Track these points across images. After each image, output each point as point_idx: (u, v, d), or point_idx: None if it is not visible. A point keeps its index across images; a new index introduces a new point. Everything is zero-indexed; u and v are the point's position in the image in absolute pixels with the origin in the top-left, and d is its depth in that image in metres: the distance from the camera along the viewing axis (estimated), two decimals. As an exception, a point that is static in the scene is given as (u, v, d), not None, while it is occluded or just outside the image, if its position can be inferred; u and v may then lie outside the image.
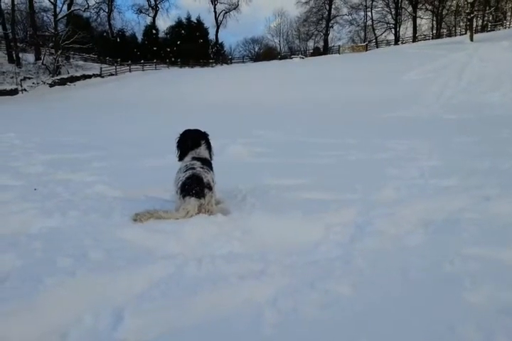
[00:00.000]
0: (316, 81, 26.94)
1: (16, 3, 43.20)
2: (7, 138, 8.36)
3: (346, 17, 59.85)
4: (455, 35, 50.18)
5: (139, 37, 58.59)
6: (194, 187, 3.05)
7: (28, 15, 45.20)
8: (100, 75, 43.59)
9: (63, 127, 12.35)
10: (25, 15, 46.40)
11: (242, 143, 7.50)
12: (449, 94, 18.98)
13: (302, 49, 64.35)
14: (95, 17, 54.94)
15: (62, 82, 40.74)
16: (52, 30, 44.48)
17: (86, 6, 51.00)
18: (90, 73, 43.68)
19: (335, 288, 1.98)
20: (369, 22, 58.56)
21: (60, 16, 46.02)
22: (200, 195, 3.05)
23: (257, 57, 60.43)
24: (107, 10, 55.68)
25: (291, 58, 47.10)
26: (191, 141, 3.44)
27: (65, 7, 47.89)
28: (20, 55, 42.38)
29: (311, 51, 61.51)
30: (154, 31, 57.02)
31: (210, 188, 3.15)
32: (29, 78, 40.37)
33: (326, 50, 57.34)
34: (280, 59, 49.78)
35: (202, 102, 23.76)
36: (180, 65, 50.61)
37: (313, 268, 2.22)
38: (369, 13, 58.02)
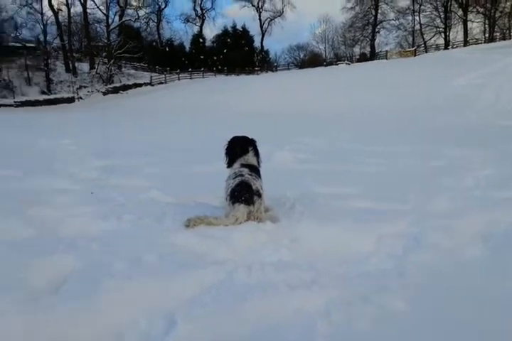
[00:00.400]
0: (362, 87, 26.51)
1: (71, 15, 45.74)
2: (64, 144, 8.80)
3: (393, 22, 58.56)
4: (509, 38, 47.88)
5: (187, 46, 60.24)
6: (243, 194, 3.07)
7: (82, 27, 47.66)
8: (150, 83, 45.10)
9: (116, 134, 12.83)
10: (80, 26, 48.94)
11: (288, 150, 7.50)
12: (505, 100, 18.08)
13: (348, 55, 63.58)
14: (145, 27, 57.01)
15: (115, 90, 42.53)
16: (105, 41, 46.64)
17: (136, 17, 53.07)
18: (141, 82, 45.30)
19: (389, 302, 1.92)
20: (417, 26, 56.89)
21: (112, 27, 48.21)
22: (249, 201, 3.07)
23: (302, 64, 60.30)
24: (156, 20, 57.66)
25: (337, 64, 46.65)
26: (239, 147, 3.47)
27: (117, 18, 50.14)
28: (76, 64, 44.71)
29: (357, 57, 60.70)
30: (201, 40, 58.42)
31: (259, 195, 3.16)
32: (84, 87, 42.47)
33: (372, 55, 56.39)
34: (326, 65, 49.45)
35: (247, 109, 23.97)
36: (226, 72, 51.46)
37: (365, 281, 2.17)
38: (417, 18, 56.40)
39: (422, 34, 56.59)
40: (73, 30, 47.98)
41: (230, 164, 3.48)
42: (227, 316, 1.77)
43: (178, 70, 48.70)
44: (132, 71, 48.70)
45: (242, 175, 3.20)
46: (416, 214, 3.28)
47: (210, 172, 5.21)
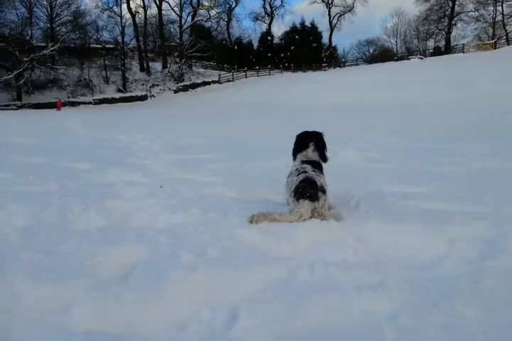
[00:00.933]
0: (435, 82, 25.21)
1: (147, 17, 48.03)
2: (139, 139, 9.27)
3: (472, 13, 54.71)
4: None
5: (255, 44, 60.86)
6: (308, 190, 3.02)
7: (157, 28, 49.86)
8: (219, 81, 46.17)
9: (184, 130, 13.29)
10: (155, 27, 51.24)
11: (353, 147, 7.30)
12: None
13: (421, 49, 60.69)
14: (216, 26, 58.42)
15: (185, 89, 44.08)
16: (178, 40, 48.43)
17: (208, 17, 54.53)
18: (210, 80, 46.52)
19: (462, 310, 1.79)
20: (499, 17, 52.76)
21: (184, 27, 49.96)
22: (314, 198, 3.01)
23: (372, 59, 58.54)
24: (226, 19, 58.79)
25: (409, 59, 44.68)
26: (299, 143, 3.45)
27: (189, 18, 51.84)
28: (150, 64, 46.93)
29: (431, 51, 57.70)
30: (269, 37, 58.71)
31: (324, 192, 3.09)
32: (157, 85, 44.50)
33: (447, 49, 53.35)
34: (397, 60, 47.52)
35: (312, 106, 23.74)
36: (293, 69, 51.29)
37: (436, 286, 2.04)
38: (499, 8, 52.30)
39: (504, 25, 52.38)
40: (148, 31, 50.38)
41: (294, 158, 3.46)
42: (289, 315, 1.73)
43: (246, 68, 49.32)
44: (202, 70, 50.13)
45: (305, 172, 3.14)
46: (493, 216, 3.04)
47: (273, 168, 5.21)
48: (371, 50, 68.90)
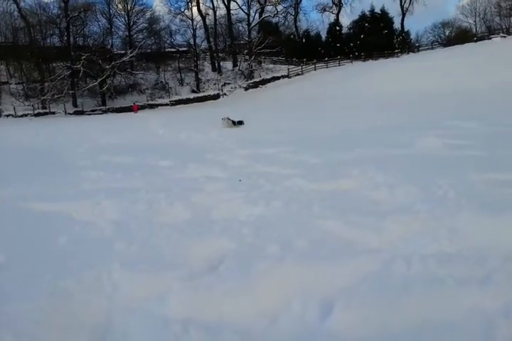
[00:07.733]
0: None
1: (217, 17, 49.18)
2: (213, 136, 9.51)
3: None
4: None
5: (323, 35, 59.53)
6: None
7: (226, 28, 50.83)
8: (287, 76, 45.97)
9: (254, 125, 13.35)
10: (224, 27, 52.25)
11: (434, 134, 6.84)
12: None
13: (504, 27, 55.52)
14: (283, 21, 58.05)
15: (255, 85, 44.51)
16: (246, 38, 49.00)
17: (275, 12, 54.33)
18: (279, 75, 46.50)
19: None
20: None
21: (252, 25, 50.45)
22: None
23: (448, 42, 54.78)
24: (293, 13, 58.25)
25: (490, 38, 41.13)
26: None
27: (257, 16, 52.20)
28: (221, 63, 48.03)
29: (517, 28, 52.57)
30: (338, 28, 57.24)
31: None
32: (228, 83, 45.45)
33: (537, 24, 48.30)
34: (476, 41, 43.96)
35: (381, 95, 22.71)
36: (363, 58, 49.60)
37: (551, 280, 1.82)
38: None
39: None
40: (218, 31, 51.45)
41: None
42: (387, 309, 1.63)
43: (315, 60, 48.58)
44: (271, 65, 50.20)
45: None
46: None
47: (348, 159, 5.03)
48: (447, 33, 64.49)
